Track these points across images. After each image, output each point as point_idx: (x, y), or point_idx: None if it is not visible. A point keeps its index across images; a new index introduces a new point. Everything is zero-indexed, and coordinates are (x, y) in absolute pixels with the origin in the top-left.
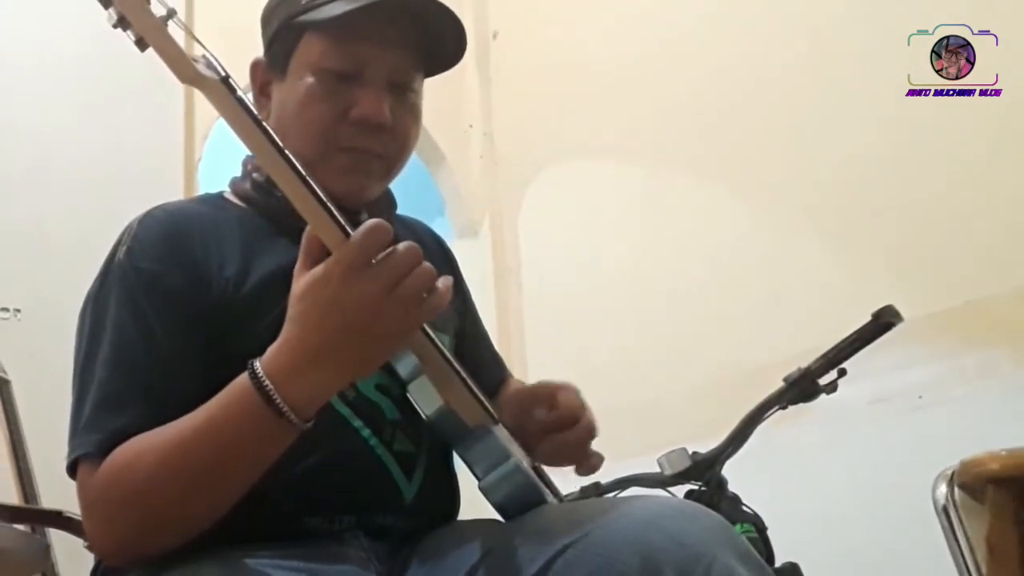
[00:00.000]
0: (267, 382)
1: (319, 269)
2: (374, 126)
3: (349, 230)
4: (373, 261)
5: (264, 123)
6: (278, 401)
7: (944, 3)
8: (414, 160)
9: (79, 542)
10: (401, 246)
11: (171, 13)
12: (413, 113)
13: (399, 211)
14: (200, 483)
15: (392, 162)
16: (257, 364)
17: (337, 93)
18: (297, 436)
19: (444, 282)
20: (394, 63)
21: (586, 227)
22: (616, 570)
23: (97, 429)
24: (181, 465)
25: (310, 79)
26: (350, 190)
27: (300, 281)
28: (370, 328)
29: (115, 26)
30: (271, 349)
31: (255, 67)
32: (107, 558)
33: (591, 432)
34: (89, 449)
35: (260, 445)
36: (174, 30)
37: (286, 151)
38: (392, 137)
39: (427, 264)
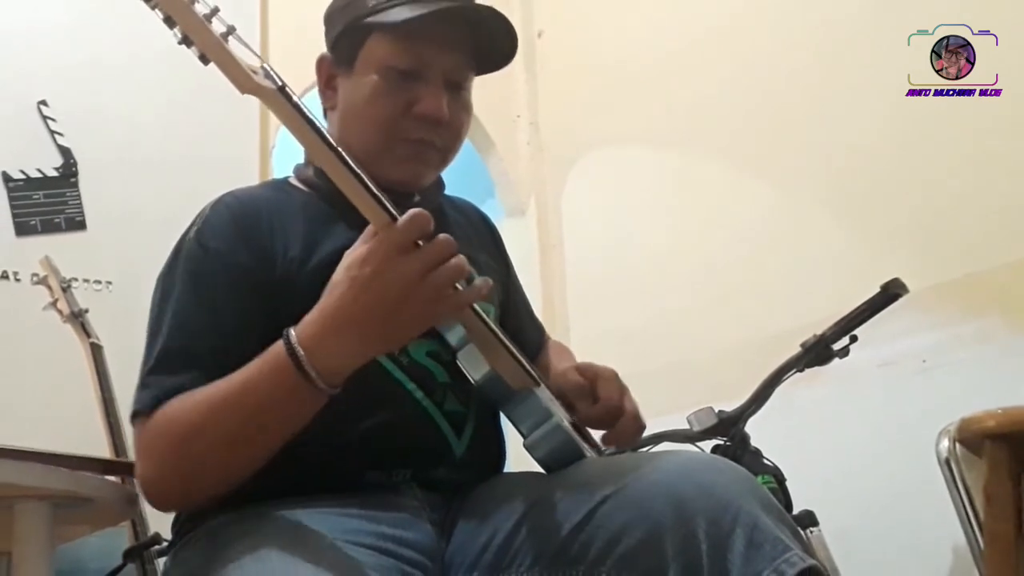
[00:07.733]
0: (298, 348)
1: (363, 248)
2: (434, 121)
3: (397, 216)
4: (418, 243)
5: (317, 124)
6: (306, 366)
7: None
8: (467, 147)
9: None
10: (440, 237)
11: (231, 30)
12: (466, 109)
13: (454, 193)
14: (236, 436)
15: (447, 153)
16: (291, 331)
17: (401, 89)
18: (327, 402)
19: (483, 281)
20: (452, 64)
21: (623, 207)
22: (652, 519)
23: (153, 387)
24: (219, 419)
25: (377, 75)
26: (408, 177)
27: (346, 258)
28: (400, 307)
29: (180, 43)
30: (306, 318)
31: (321, 62)
32: (155, 502)
33: (637, 426)
34: (145, 404)
35: (290, 405)
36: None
37: (339, 149)
38: (448, 131)
39: (462, 257)
